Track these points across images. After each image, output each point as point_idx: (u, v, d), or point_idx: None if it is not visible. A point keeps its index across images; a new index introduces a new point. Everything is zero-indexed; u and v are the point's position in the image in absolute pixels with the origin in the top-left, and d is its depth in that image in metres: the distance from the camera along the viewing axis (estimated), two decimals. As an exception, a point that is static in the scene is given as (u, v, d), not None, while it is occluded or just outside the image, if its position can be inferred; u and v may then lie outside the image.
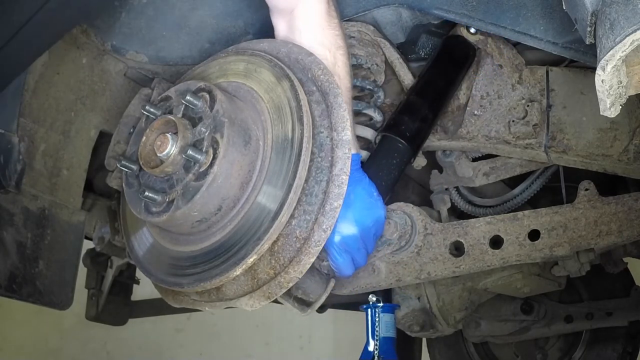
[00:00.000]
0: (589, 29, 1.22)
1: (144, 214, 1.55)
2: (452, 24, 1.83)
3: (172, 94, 1.61)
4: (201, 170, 1.48)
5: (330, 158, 1.55)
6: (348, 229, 1.61)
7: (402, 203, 1.85)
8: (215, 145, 1.48)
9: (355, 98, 1.83)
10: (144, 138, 1.56)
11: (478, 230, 1.85)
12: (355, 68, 1.84)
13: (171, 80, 1.88)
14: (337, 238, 1.60)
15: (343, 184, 1.53)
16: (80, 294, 2.34)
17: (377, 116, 1.84)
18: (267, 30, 1.86)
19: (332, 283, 1.69)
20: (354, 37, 1.82)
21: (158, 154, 1.51)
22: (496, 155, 1.92)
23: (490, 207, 2.00)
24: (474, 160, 1.96)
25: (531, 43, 1.60)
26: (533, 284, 2.10)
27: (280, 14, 1.73)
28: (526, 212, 1.84)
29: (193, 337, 4.63)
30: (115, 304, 2.82)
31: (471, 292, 2.12)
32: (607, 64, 1.14)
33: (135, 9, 1.85)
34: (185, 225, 1.54)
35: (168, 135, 1.51)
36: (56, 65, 1.83)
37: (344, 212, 1.56)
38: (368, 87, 1.83)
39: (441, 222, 1.90)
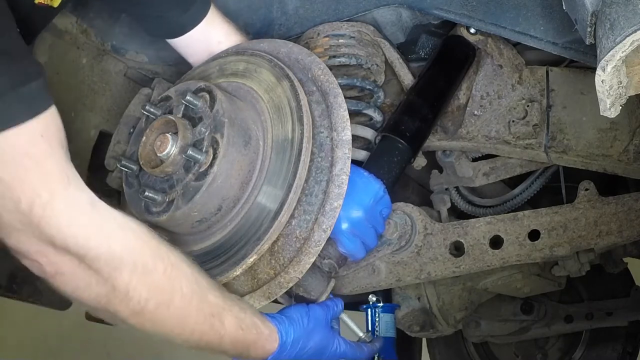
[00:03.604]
0: (589, 29, 1.22)
1: (144, 214, 1.55)
2: (452, 24, 1.83)
3: (172, 94, 1.61)
4: (201, 170, 1.48)
5: (330, 158, 1.55)
6: (351, 213, 1.62)
7: (402, 203, 1.85)
8: (215, 145, 1.48)
9: (355, 98, 1.83)
10: (144, 138, 1.56)
11: (478, 230, 1.85)
12: (355, 68, 1.84)
13: (171, 80, 1.88)
14: (344, 226, 1.61)
15: (343, 184, 1.53)
16: (81, 293, 2.33)
17: (377, 116, 1.84)
18: (267, 31, 1.86)
19: (332, 283, 1.70)
20: (354, 37, 1.82)
21: (158, 154, 1.51)
22: (496, 155, 1.92)
23: (490, 207, 2.00)
24: (474, 160, 1.96)
25: (531, 43, 1.60)
26: (533, 284, 2.10)
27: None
28: (526, 212, 1.84)
29: (193, 337, 4.61)
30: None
31: (471, 292, 2.12)
32: (607, 65, 1.14)
33: (135, 9, 1.85)
34: (185, 225, 1.54)
35: (168, 135, 1.51)
36: (56, 65, 1.84)
37: (344, 200, 1.56)
38: (368, 87, 1.83)
39: (441, 222, 1.90)
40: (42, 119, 1.19)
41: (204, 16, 1.72)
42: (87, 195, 1.25)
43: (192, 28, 1.72)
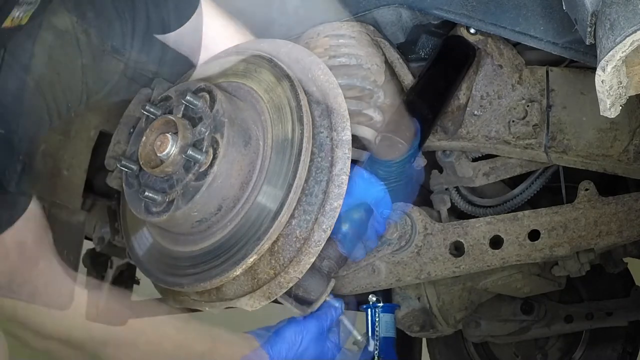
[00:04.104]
0: (589, 29, 1.22)
1: (144, 214, 1.55)
2: (452, 24, 1.83)
3: (172, 94, 1.61)
4: (201, 170, 1.48)
5: (330, 158, 1.55)
6: (352, 214, 1.62)
7: (402, 203, 1.85)
8: (215, 145, 1.48)
9: (355, 98, 1.83)
10: (144, 138, 1.56)
11: (478, 230, 1.85)
12: (355, 68, 1.84)
13: (171, 80, 1.88)
14: (344, 226, 1.61)
15: (343, 184, 1.53)
16: (80, 294, 2.33)
17: (377, 116, 1.84)
18: (267, 31, 1.86)
19: (332, 283, 1.70)
20: (354, 37, 1.82)
21: (158, 154, 1.51)
22: (496, 155, 1.92)
23: (490, 207, 2.00)
24: (474, 160, 1.96)
25: (531, 43, 1.60)
26: (533, 284, 2.10)
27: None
28: (526, 212, 1.85)
29: (193, 337, 4.60)
30: (115, 304, 2.81)
31: (471, 292, 2.12)
32: (607, 65, 1.14)
33: (135, 9, 1.85)
34: (185, 225, 1.54)
35: (168, 135, 1.51)
36: (56, 65, 1.83)
37: (344, 201, 1.56)
38: (368, 87, 1.83)
39: (441, 222, 1.90)
40: (19, 224, 1.23)
41: (194, 11, 1.70)
42: (67, 290, 1.31)
43: (181, 24, 1.70)
